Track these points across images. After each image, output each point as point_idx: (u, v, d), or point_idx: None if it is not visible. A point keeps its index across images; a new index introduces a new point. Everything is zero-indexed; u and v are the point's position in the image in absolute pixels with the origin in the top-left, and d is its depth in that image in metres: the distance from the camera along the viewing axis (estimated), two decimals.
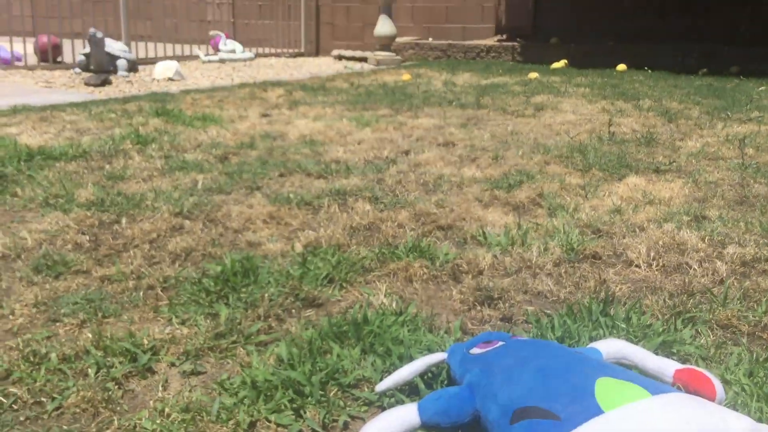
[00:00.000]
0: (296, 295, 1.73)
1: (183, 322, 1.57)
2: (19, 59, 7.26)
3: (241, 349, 1.46)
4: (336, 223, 2.30)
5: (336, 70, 7.97)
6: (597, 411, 0.95)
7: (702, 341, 1.52)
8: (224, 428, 1.19)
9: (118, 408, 1.26)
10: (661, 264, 1.98)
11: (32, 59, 7.42)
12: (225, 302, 1.67)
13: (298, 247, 2.06)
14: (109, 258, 1.97)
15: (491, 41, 8.89)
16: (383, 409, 1.26)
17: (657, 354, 1.37)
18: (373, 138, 3.73)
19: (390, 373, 1.34)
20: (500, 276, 1.90)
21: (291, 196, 2.58)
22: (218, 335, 1.50)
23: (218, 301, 1.68)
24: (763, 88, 6.01)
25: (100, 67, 6.51)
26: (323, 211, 2.43)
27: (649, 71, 7.32)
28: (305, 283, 1.79)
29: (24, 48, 7.36)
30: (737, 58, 7.46)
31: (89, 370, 1.37)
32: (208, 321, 1.57)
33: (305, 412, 1.24)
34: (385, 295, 1.74)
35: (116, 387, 1.32)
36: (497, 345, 1.23)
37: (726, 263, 1.98)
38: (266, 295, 1.70)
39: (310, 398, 1.27)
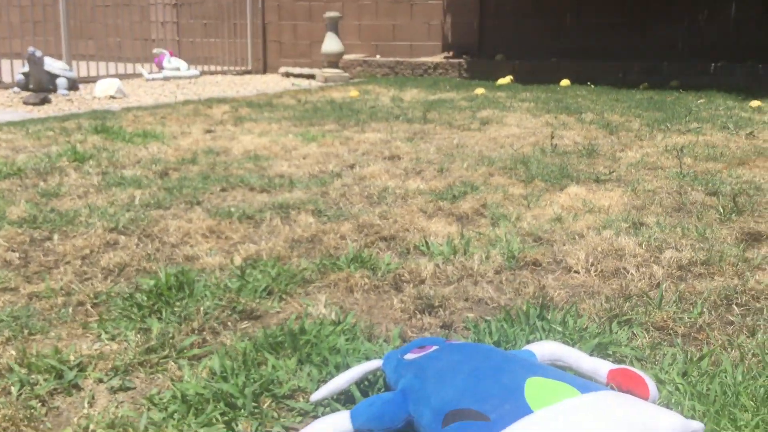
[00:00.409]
0: (233, 307, 1.69)
1: (113, 338, 1.52)
2: None
3: (173, 364, 1.42)
4: (278, 236, 2.27)
5: (283, 87, 7.94)
6: (526, 410, 0.94)
7: (637, 343, 1.53)
8: None
9: (41, 426, 1.21)
10: (599, 269, 2.00)
11: None
12: (158, 317, 1.62)
13: (238, 260, 2.02)
14: (38, 275, 1.90)
15: (438, 58, 8.97)
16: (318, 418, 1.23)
17: (592, 355, 1.38)
18: (318, 152, 3.71)
19: (326, 382, 1.32)
20: (442, 285, 1.90)
21: (232, 210, 2.54)
22: (149, 350, 1.46)
23: (150, 315, 1.63)
24: (702, 100, 6.17)
25: (40, 86, 6.38)
26: (265, 225, 2.40)
27: (592, 86, 7.46)
28: (243, 295, 1.76)
29: None
30: (677, 73, 7.66)
31: (12, 387, 1.31)
32: (139, 336, 1.52)
33: (237, 425, 1.21)
34: (324, 306, 1.72)
35: (40, 404, 1.27)
36: (431, 350, 1.21)
37: (662, 267, 2.01)
38: (201, 308, 1.66)
39: (242, 410, 1.24)
